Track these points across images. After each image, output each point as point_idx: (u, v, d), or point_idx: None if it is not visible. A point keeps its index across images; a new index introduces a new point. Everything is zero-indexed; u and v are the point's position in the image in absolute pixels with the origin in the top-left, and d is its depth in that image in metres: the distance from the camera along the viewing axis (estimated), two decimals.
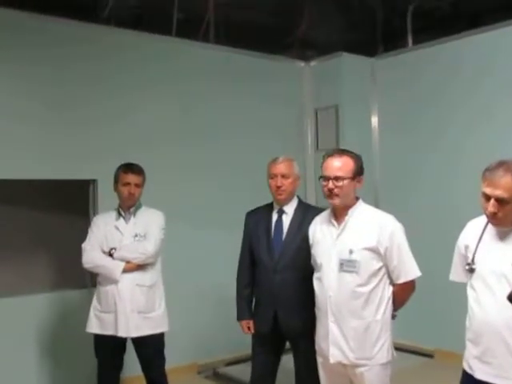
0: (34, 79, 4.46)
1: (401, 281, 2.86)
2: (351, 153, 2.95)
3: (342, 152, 2.94)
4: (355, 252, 2.80)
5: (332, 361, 2.87)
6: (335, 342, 2.85)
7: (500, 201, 2.38)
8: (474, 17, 5.83)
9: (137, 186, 3.75)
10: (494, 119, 5.04)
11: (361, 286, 2.80)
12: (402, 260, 2.84)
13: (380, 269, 2.84)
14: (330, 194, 2.86)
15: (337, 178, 2.83)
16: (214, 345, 5.24)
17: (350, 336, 2.82)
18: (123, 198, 3.74)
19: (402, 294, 2.93)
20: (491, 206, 2.41)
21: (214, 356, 5.28)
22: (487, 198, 2.42)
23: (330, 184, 2.84)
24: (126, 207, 3.78)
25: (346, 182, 2.83)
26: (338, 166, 2.85)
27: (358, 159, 2.92)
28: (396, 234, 2.85)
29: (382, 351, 2.82)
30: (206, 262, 5.14)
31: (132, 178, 3.74)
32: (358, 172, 2.89)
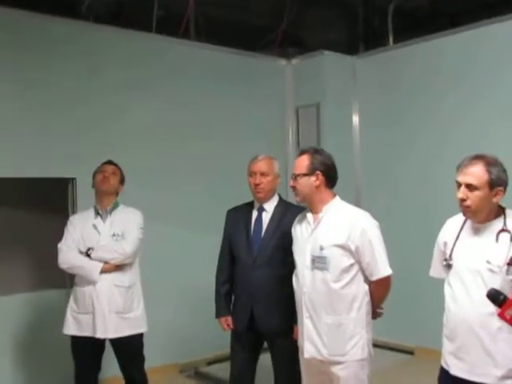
0: (12, 79, 4.39)
1: (374, 278, 2.88)
2: (310, 151, 2.98)
3: (303, 151, 3.01)
4: (325, 248, 2.82)
5: (306, 356, 2.88)
6: (310, 338, 2.87)
7: (469, 187, 2.43)
8: (454, 16, 5.88)
9: (113, 173, 3.71)
10: (473, 116, 5.09)
11: (333, 282, 2.81)
12: (374, 257, 2.84)
13: (352, 266, 2.84)
14: (293, 191, 2.99)
15: (295, 175, 2.94)
16: (195, 344, 5.23)
17: (323, 332, 2.83)
18: (98, 183, 3.68)
19: (377, 291, 2.93)
20: (460, 192, 2.46)
21: (195, 355, 5.26)
22: (459, 185, 2.48)
23: (291, 182, 2.97)
24: (104, 203, 3.70)
25: (300, 178, 2.92)
26: (296, 163, 2.97)
27: (313, 156, 2.93)
28: (368, 231, 2.85)
29: (357, 348, 2.82)
30: (186, 262, 5.11)
31: (108, 167, 3.71)
32: (313, 169, 2.90)
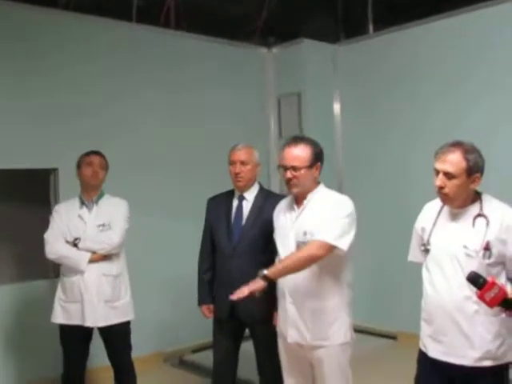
0: None
1: (316, 237, 2.74)
2: (308, 140, 2.95)
3: (299, 140, 2.93)
4: (309, 234, 2.81)
5: (290, 340, 2.90)
6: (293, 323, 2.89)
7: (447, 175, 2.46)
8: (434, 4, 5.90)
9: (101, 166, 3.70)
10: (451, 103, 5.15)
11: (316, 267, 2.81)
12: (329, 222, 2.75)
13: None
14: (289, 183, 2.88)
15: (294, 168, 2.85)
16: (179, 332, 5.27)
17: (306, 316, 2.86)
18: (87, 178, 3.66)
19: (306, 250, 2.74)
20: (439, 179, 2.49)
21: (179, 344, 5.30)
22: (437, 173, 2.51)
23: (288, 174, 2.86)
24: (90, 194, 3.71)
25: (303, 171, 2.85)
26: (295, 155, 2.86)
27: (314, 146, 2.92)
28: (338, 205, 2.83)
29: (340, 332, 2.86)
30: (168, 251, 5.13)
31: (95, 158, 3.70)
32: (316, 159, 2.90)
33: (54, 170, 4.65)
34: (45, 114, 4.61)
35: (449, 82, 5.17)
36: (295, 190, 2.89)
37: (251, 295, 2.70)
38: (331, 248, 2.73)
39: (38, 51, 4.58)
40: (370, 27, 6.08)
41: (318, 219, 2.81)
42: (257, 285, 2.71)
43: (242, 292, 2.70)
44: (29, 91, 4.53)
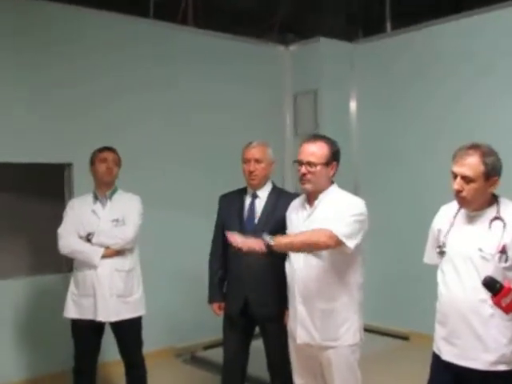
0: (5, 63, 4.38)
1: (326, 227, 2.70)
2: (327, 138, 2.94)
3: (318, 138, 2.94)
4: None
5: (299, 341, 2.90)
6: (302, 323, 2.88)
7: (465, 178, 2.43)
8: (454, 2, 5.85)
9: (114, 162, 3.71)
10: (470, 104, 5.09)
11: (326, 267, 2.81)
12: (341, 218, 2.74)
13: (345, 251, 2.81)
14: (302, 178, 2.86)
15: (309, 164, 2.83)
16: (191, 329, 5.27)
17: (316, 317, 2.84)
18: (101, 174, 3.67)
19: (316, 234, 2.72)
20: (456, 183, 2.47)
21: (191, 340, 5.31)
22: (454, 176, 2.48)
23: (303, 169, 2.84)
24: (103, 189, 3.71)
25: (318, 167, 2.83)
26: (312, 151, 2.85)
27: (333, 145, 2.91)
28: (350, 205, 2.81)
29: (349, 333, 2.84)
30: (180, 246, 5.13)
31: (109, 155, 3.70)
32: (332, 158, 2.88)
33: (69, 165, 4.67)
34: (60, 108, 4.62)
35: (466, 82, 5.12)
36: (308, 186, 2.86)
37: (248, 251, 2.68)
38: (339, 242, 2.70)
39: (52, 44, 4.59)
40: (388, 26, 6.04)
41: (329, 219, 2.78)
42: (258, 246, 2.67)
43: (244, 243, 2.68)
44: (43, 85, 4.56)
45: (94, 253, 3.59)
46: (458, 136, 4.90)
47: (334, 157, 2.90)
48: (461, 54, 5.16)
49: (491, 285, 2.22)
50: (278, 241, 2.70)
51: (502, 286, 2.19)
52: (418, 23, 5.51)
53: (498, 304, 2.21)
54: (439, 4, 5.85)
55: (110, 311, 3.60)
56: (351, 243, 2.73)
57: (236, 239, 2.70)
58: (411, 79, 5.56)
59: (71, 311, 3.70)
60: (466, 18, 5.15)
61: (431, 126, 5.39)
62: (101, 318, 3.60)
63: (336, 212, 2.78)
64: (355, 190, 5.27)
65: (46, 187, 4.82)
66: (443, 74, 5.29)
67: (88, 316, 3.62)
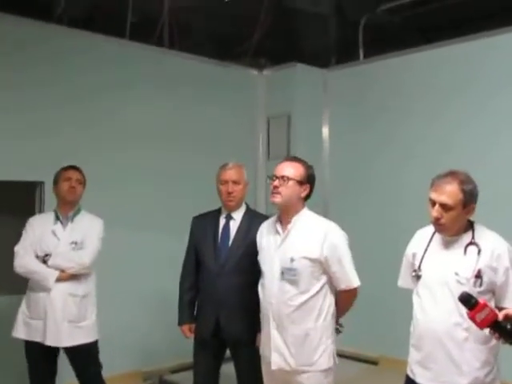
0: None
1: (343, 287, 2.90)
2: (304, 162, 2.99)
3: (296, 159, 3.00)
4: (296, 260, 2.82)
5: (274, 367, 2.88)
6: (277, 349, 2.87)
7: (444, 206, 2.47)
8: (423, 32, 6.00)
9: (78, 181, 3.65)
10: (440, 130, 5.19)
11: (301, 293, 2.83)
12: (343, 269, 2.87)
13: (321, 276, 2.86)
14: (273, 191, 2.88)
15: (283, 177, 2.86)
16: (159, 352, 5.18)
17: (290, 342, 2.84)
18: (63, 193, 3.60)
19: (344, 301, 2.97)
20: (435, 211, 2.50)
21: (159, 363, 5.21)
22: (433, 203, 2.51)
23: (276, 182, 2.88)
24: (66, 209, 3.64)
25: (291, 182, 2.86)
26: (287, 168, 2.90)
27: (309, 168, 2.96)
28: (339, 244, 2.88)
29: (323, 357, 2.85)
30: (148, 268, 5.05)
31: (73, 174, 3.64)
32: (307, 180, 2.91)
33: (41, 184, 4.60)
34: (33, 127, 4.56)
35: (436, 108, 5.23)
36: (278, 199, 2.87)
37: None
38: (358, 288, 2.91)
39: (25, 64, 4.53)
40: (361, 53, 6.14)
41: (304, 245, 2.83)
42: None
43: None
44: (18, 104, 4.49)
45: (48, 275, 3.49)
46: (429, 162, 5.06)
47: (309, 179, 2.93)
48: (430, 82, 5.28)
49: (467, 300, 2.25)
50: None
51: (477, 302, 2.23)
52: (391, 51, 5.62)
53: (473, 319, 2.24)
54: (409, 34, 5.99)
55: (61, 336, 3.50)
56: (358, 279, 2.93)
57: None
58: (382, 106, 5.65)
59: (20, 331, 3.59)
60: (435, 49, 5.29)
61: (403, 151, 5.47)
62: (49, 342, 3.49)
63: (332, 253, 2.84)
64: (325, 214, 5.29)
65: (17, 205, 4.72)
66: (413, 101, 5.40)
67: (36, 338, 3.52)
